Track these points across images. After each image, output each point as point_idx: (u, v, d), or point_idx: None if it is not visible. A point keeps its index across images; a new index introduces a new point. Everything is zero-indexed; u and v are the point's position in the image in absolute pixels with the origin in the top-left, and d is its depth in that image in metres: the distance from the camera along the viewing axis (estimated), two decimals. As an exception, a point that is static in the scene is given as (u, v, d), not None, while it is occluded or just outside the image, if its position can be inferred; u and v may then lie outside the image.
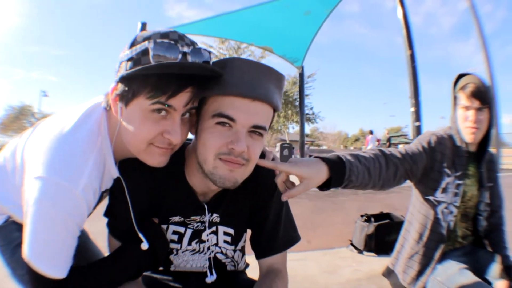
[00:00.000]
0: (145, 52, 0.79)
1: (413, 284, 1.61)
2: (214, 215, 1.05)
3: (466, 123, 1.58)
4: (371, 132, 17.71)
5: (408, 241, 1.70)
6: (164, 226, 1.02)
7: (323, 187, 1.03)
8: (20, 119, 42.41)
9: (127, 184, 0.93)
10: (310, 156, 1.13)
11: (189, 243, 1.05)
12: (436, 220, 1.60)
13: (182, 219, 1.02)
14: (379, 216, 2.78)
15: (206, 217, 1.03)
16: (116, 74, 0.85)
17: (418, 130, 4.81)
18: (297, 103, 22.40)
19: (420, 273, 1.61)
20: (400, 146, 21.61)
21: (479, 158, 1.67)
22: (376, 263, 2.35)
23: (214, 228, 1.06)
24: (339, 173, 1.05)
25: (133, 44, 0.82)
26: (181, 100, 0.81)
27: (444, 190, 1.60)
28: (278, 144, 13.42)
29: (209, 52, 0.86)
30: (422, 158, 1.55)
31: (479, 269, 1.59)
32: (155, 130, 0.83)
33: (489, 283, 1.51)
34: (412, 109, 5.58)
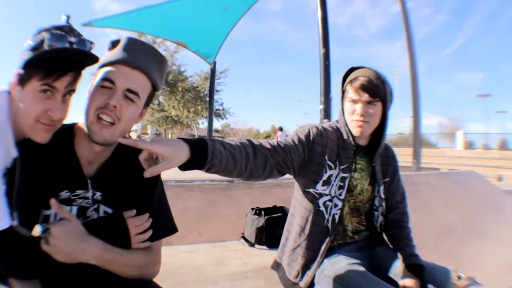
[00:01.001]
0: (42, 42, 0.95)
1: (300, 278, 1.57)
2: (98, 193, 1.12)
3: (353, 116, 1.56)
4: (281, 129, 18.31)
5: (292, 234, 1.66)
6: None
7: (186, 168, 1.09)
8: None
9: (24, 163, 1.02)
10: None
11: None
12: (318, 213, 1.57)
13: (69, 193, 1.08)
14: (272, 210, 2.78)
15: (90, 193, 1.11)
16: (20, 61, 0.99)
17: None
18: (208, 99, 22.49)
19: (305, 266, 1.57)
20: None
21: (371, 152, 1.67)
22: (266, 256, 2.35)
23: (96, 206, 1.13)
24: (201, 155, 1.11)
25: (35, 35, 0.97)
26: (63, 83, 0.97)
27: (326, 183, 1.57)
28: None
29: (91, 43, 1.02)
30: (297, 150, 1.51)
31: (380, 266, 1.60)
32: (41, 108, 0.96)
33: (393, 281, 1.50)
34: (321, 107, 5.83)
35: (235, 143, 1.29)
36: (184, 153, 1.04)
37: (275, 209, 2.80)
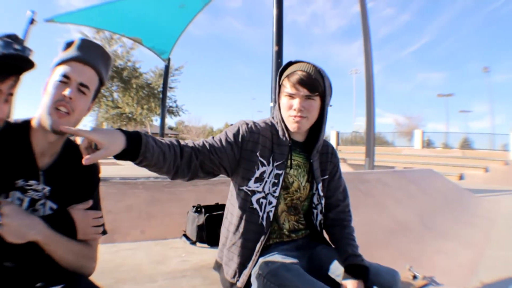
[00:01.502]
0: None
1: (237, 278, 1.55)
2: (47, 188, 1.20)
3: (290, 111, 1.54)
4: (231, 126, 18.26)
5: (229, 233, 1.63)
6: (11, 193, 1.14)
7: (121, 158, 1.17)
8: None
9: None
10: None
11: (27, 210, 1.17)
12: (252, 211, 1.55)
13: (23, 182, 1.16)
14: (213, 207, 2.77)
15: (40, 186, 1.18)
16: None
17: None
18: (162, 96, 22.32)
19: (242, 266, 1.55)
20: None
21: (308, 149, 1.65)
22: (207, 254, 2.36)
23: (44, 201, 1.20)
24: (135, 147, 1.18)
25: None
26: (6, 85, 1.04)
27: (259, 180, 1.54)
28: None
29: (30, 50, 1.12)
30: (224, 149, 1.49)
31: (320, 266, 1.58)
32: None
33: (335, 282, 1.49)
34: (272, 104, 5.85)
35: (164, 141, 1.33)
36: (120, 142, 1.13)
37: (216, 206, 2.79)
